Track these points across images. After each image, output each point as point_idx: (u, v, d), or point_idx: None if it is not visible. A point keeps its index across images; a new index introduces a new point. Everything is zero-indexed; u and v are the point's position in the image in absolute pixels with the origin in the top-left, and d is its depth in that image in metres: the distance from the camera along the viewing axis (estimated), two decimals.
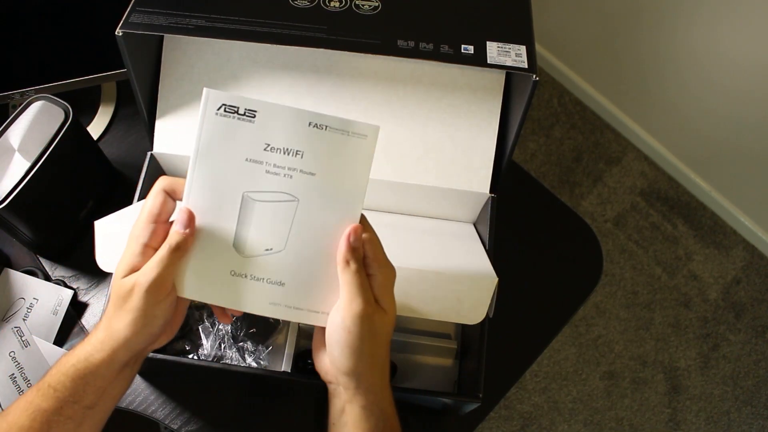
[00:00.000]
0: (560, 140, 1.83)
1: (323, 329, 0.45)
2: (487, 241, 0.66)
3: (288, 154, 0.41)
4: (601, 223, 1.72)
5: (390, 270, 0.45)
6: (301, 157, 0.41)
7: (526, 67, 0.57)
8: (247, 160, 0.41)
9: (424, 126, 0.67)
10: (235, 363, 0.69)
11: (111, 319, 0.43)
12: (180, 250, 0.42)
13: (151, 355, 0.59)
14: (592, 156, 1.81)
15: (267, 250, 0.43)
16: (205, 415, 0.71)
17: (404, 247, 0.62)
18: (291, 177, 0.42)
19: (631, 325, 1.61)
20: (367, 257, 0.44)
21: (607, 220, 1.73)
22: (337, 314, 0.43)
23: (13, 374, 0.70)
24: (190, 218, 0.42)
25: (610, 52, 1.72)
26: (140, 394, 0.72)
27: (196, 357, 0.70)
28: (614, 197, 1.76)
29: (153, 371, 0.73)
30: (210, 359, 0.69)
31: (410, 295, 0.56)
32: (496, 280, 0.55)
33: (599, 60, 1.76)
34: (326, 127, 0.41)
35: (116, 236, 0.56)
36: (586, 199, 1.75)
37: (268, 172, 0.42)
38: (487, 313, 0.57)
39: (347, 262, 0.43)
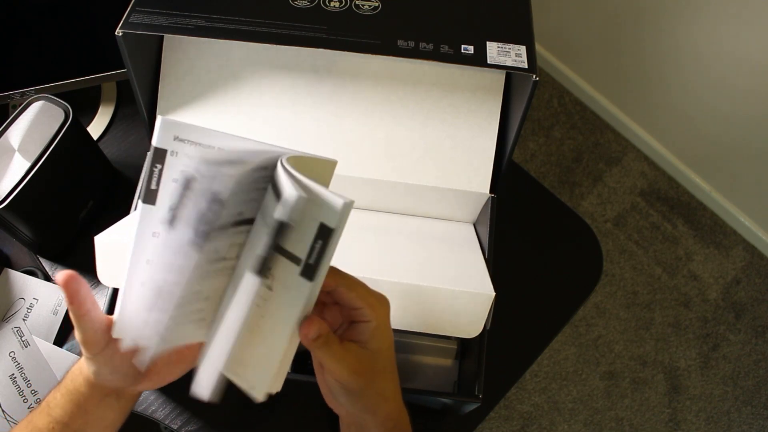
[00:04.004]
0: (560, 140, 1.83)
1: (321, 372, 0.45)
2: (487, 242, 0.66)
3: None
4: (601, 223, 1.72)
5: (382, 308, 0.43)
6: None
7: (526, 67, 0.57)
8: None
9: (424, 126, 0.67)
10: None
11: None
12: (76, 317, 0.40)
13: None
14: (592, 156, 1.81)
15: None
16: (205, 415, 0.71)
17: (403, 258, 0.62)
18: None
19: (631, 325, 1.61)
20: (358, 308, 0.42)
21: (607, 220, 1.73)
22: (333, 381, 0.43)
23: (13, 374, 0.70)
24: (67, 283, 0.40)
25: (610, 52, 1.72)
26: (140, 394, 0.72)
27: None
28: (614, 197, 1.76)
29: None
30: None
31: (408, 310, 0.56)
32: (493, 295, 0.55)
33: (599, 60, 1.76)
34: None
35: (116, 249, 0.56)
36: (586, 199, 1.75)
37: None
38: (484, 325, 0.57)
39: (317, 349, 0.40)
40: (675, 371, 1.57)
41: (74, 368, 0.45)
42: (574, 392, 1.52)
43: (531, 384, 1.52)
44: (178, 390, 0.72)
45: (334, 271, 0.42)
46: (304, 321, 0.40)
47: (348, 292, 0.42)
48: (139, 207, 0.38)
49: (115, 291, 0.61)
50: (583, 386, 1.53)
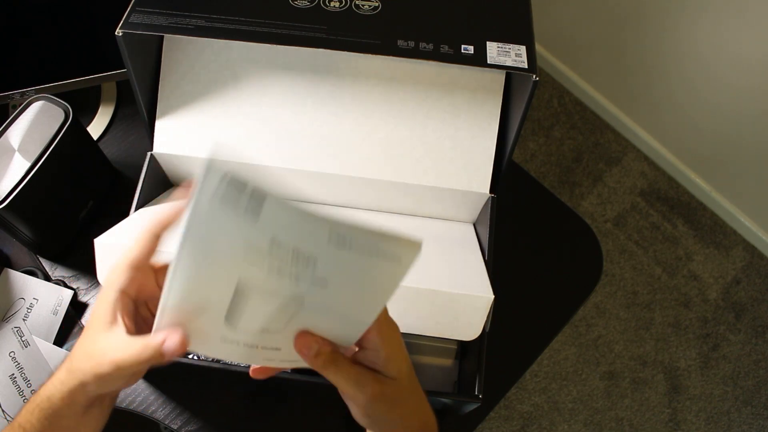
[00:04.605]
0: (560, 140, 1.83)
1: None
2: (487, 242, 0.66)
3: (297, 258, 0.32)
4: (601, 223, 1.72)
5: (392, 333, 0.42)
6: (314, 264, 0.32)
7: (526, 67, 0.57)
8: (246, 249, 0.32)
9: (424, 126, 0.67)
10: (235, 363, 0.69)
11: (74, 360, 0.41)
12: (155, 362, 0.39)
13: None
14: (592, 156, 1.81)
15: (262, 330, 0.37)
16: (205, 415, 0.71)
17: None
18: (297, 281, 0.33)
19: (631, 325, 1.60)
20: (367, 337, 0.40)
21: (607, 220, 1.73)
22: (352, 405, 0.42)
23: (13, 374, 0.70)
24: (182, 345, 0.37)
25: (610, 52, 1.72)
26: (140, 394, 0.72)
27: (196, 357, 0.70)
28: (614, 197, 1.76)
29: (153, 371, 0.73)
30: (210, 359, 0.69)
31: (407, 313, 0.56)
32: (492, 298, 0.55)
33: (599, 60, 1.76)
34: (351, 244, 0.31)
35: (116, 252, 0.56)
36: (586, 199, 1.75)
37: (271, 269, 0.32)
38: (484, 327, 0.57)
39: (322, 369, 0.39)
40: (675, 371, 1.57)
41: (48, 387, 0.42)
42: (574, 392, 1.52)
43: (531, 384, 1.52)
44: (178, 390, 0.72)
45: None
46: (299, 336, 0.39)
47: None
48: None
49: None
50: (583, 386, 1.53)
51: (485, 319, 0.56)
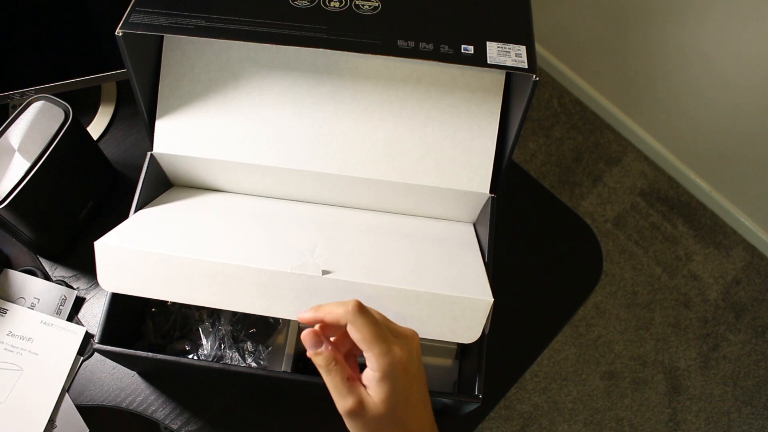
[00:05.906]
0: (560, 140, 1.83)
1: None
2: (486, 242, 0.66)
3: (22, 339, 0.66)
4: (601, 223, 1.72)
5: (391, 356, 0.40)
6: (31, 342, 0.67)
7: (526, 67, 0.57)
8: None
9: (424, 126, 0.67)
10: (235, 363, 0.69)
11: None
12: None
13: (151, 355, 0.59)
14: (592, 156, 1.81)
15: None
16: (205, 415, 0.71)
17: (402, 261, 0.62)
18: (21, 355, 0.65)
19: (631, 325, 1.61)
20: (364, 352, 0.40)
21: (607, 220, 1.73)
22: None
23: None
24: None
25: (610, 52, 1.72)
26: (140, 394, 0.72)
27: (196, 357, 0.70)
28: (614, 197, 1.76)
29: (153, 371, 0.73)
30: (210, 359, 0.69)
31: (405, 315, 0.56)
32: (491, 301, 0.55)
33: (599, 60, 1.76)
34: (52, 324, 0.63)
35: (116, 254, 0.55)
36: (586, 199, 1.75)
37: (6, 349, 0.67)
38: (483, 330, 0.57)
39: (318, 367, 0.41)
40: (675, 371, 1.57)
41: None
42: (574, 392, 1.52)
43: (531, 384, 1.52)
44: (178, 390, 0.72)
45: (357, 309, 0.40)
46: (307, 332, 0.40)
47: (354, 332, 0.40)
48: None
49: (115, 295, 0.61)
50: (583, 386, 1.53)
51: (485, 322, 0.56)
